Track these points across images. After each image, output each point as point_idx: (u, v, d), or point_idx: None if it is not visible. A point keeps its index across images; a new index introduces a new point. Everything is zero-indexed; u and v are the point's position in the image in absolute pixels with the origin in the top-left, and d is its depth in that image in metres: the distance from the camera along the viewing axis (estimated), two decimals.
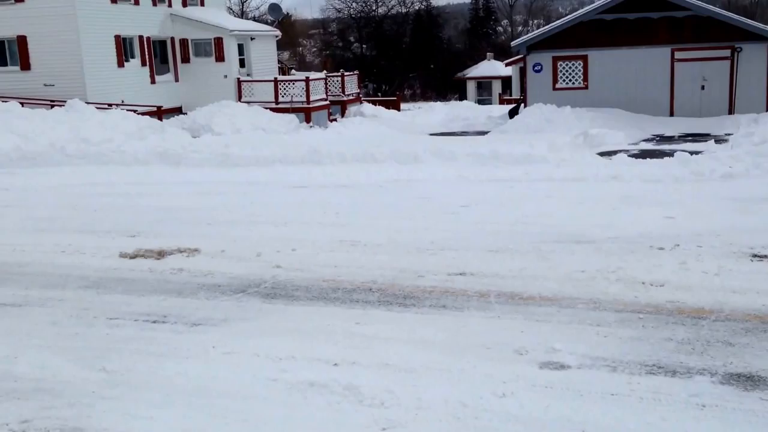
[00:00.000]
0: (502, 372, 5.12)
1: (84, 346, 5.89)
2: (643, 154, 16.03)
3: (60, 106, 23.85)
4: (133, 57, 28.79)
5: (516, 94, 42.36)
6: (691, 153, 14.80)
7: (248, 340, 5.88)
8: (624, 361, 5.22)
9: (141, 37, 29.03)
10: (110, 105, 25.58)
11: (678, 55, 23.90)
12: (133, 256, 8.50)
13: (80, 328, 6.31)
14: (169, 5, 30.66)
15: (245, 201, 11.75)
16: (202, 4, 33.02)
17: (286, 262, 8.00)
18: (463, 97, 53.00)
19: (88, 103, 24.19)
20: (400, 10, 70.75)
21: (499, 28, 79.56)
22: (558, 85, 24.93)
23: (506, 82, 51.13)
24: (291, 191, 12.57)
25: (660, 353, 5.33)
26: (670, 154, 15.00)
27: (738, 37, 23.36)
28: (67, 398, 4.99)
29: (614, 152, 15.88)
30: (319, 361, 5.43)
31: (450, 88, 63.97)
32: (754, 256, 7.60)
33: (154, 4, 29.75)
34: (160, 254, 8.52)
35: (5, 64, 26.82)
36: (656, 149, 17.30)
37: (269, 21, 45.26)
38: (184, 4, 31.64)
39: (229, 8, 48.19)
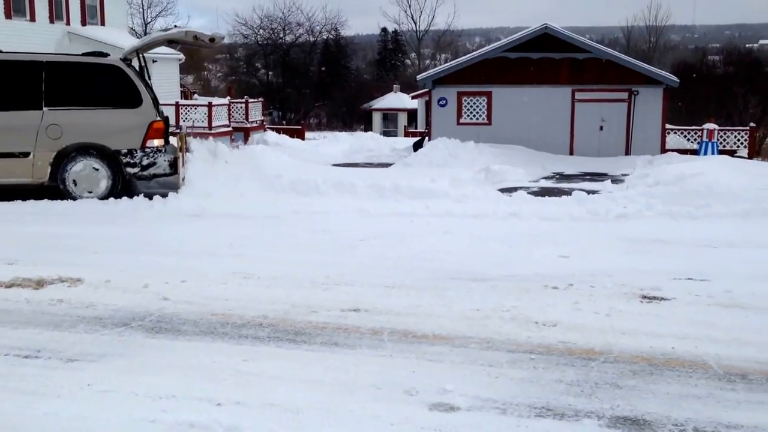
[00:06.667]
0: (390, 414, 4.98)
1: None
2: (543, 192, 16.33)
3: None
4: None
5: (421, 127, 42.92)
6: (589, 192, 15.13)
7: (127, 377, 5.55)
8: (514, 403, 5.16)
9: None
10: None
11: (578, 95, 24.60)
12: (9, 285, 8.00)
13: None
14: (68, 23, 29.68)
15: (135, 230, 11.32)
16: (103, 24, 32.15)
17: (174, 295, 7.67)
18: (368, 128, 53.37)
19: None
20: (308, 39, 70.82)
21: (407, 61, 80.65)
22: (462, 120, 25.23)
23: (412, 114, 51.82)
24: (185, 220, 12.19)
25: (549, 395, 5.29)
26: (569, 192, 15.32)
27: (636, 81, 24.23)
28: None
29: (515, 189, 16.07)
30: (201, 400, 5.16)
31: (356, 119, 64.36)
32: (644, 297, 7.74)
33: (52, 21, 28.75)
34: (39, 284, 8.04)
35: None
36: (555, 187, 17.64)
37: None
38: (84, 23, 30.71)
39: (132, 29, 47.14)
